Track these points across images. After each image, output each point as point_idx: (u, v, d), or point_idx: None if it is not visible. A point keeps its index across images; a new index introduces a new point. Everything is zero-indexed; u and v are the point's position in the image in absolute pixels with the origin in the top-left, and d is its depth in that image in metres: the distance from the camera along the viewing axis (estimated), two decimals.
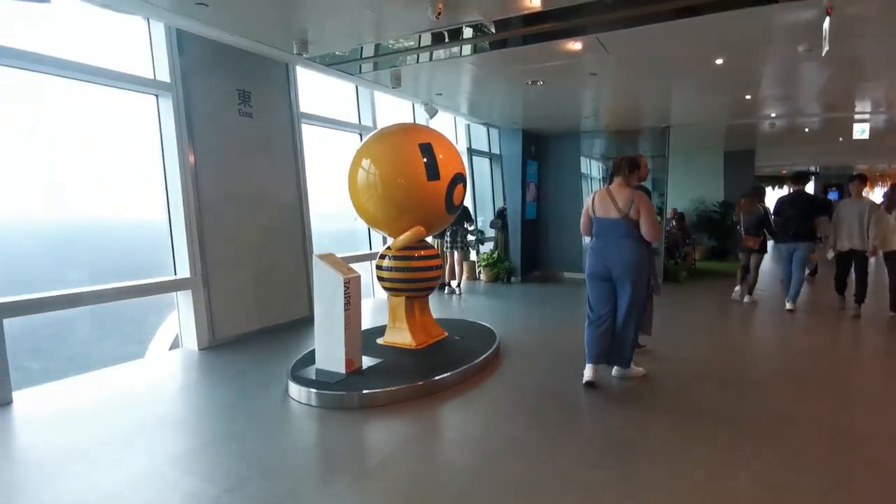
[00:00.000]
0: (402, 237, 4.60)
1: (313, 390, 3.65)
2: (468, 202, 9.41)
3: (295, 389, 3.73)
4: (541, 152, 9.90)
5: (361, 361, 4.12)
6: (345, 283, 3.88)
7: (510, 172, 9.34)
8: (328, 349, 4.02)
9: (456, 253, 7.96)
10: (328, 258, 4.04)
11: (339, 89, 7.33)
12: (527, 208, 9.49)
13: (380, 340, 4.87)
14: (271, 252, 5.78)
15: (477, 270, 9.57)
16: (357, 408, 3.62)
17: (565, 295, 8.10)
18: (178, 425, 3.34)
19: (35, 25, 4.14)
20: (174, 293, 5.02)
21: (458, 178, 4.67)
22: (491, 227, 9.78)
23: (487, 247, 10.06)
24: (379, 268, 4.79)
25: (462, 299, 7.67)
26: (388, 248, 4.75)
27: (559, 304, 7.38)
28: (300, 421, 3.45)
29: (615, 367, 4.11)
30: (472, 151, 10.12)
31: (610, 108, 7.49)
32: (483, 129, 10.46)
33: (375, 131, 4.78)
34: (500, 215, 9.57)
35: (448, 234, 7.91)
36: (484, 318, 6.32)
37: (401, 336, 4.76)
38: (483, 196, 10.79)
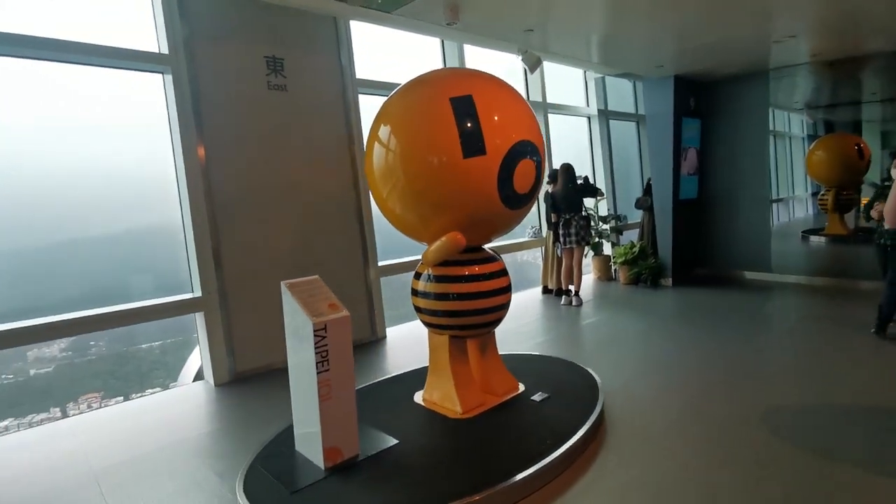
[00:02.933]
0: (431, 248, 2.99)
1: None
2: (590, 177, 7.28)
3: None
4: (705, 106, 7.20)
5: (357, 447, 2.65)
6: (315, 330, 2.44)
7: (656, 137, 6.88)
8: (306, 427, 2.64)
9: (575, 250, 5.98)
10: (304, 287, 2.63)
11: (417, 46, 5.87)
12: (682, 185, 6.95)
13: (418, 397, 3.36)
14: (315, 260, 4.60)
15: (612, 269, 7.39)
16: None
17: (743, 307, 5.55)
18: None
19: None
20: (194, 315, 4.15)
21: (523, 151, 2.85)
22: (637, 207, 7.47)
23: (628, 237, 7.77)
24: (414, 292, 3.25)
25: (577, 314, 5.71)
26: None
27: (731, 323, 4.95)
28: None
29: None
30: (607, 114, 7.90)
31: (823, 15, 4.67)
32: (624, 83, 8.13)
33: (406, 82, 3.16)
34: (649, 191, 7.19)
35: (561, 224, 5.96)
36: (598, 350, 4.40)
37: (441, 396, 3.18)
38: (629, 172, 8.47)
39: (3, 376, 4.40)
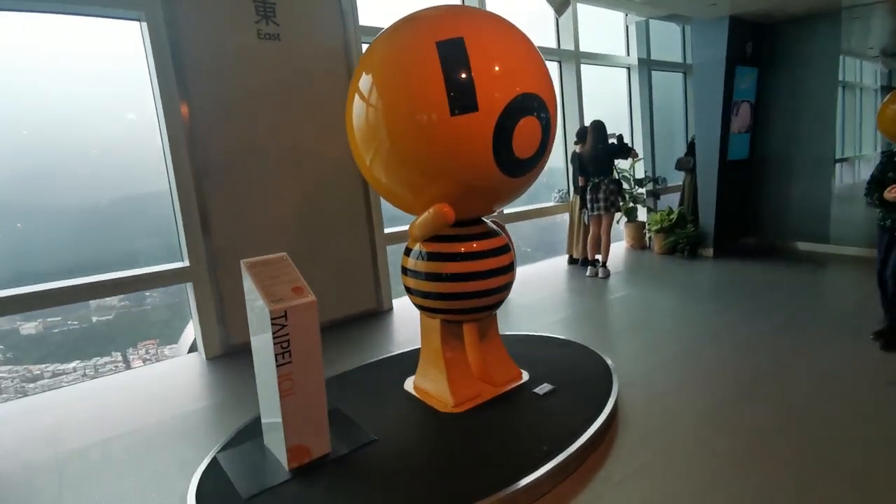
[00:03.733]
0: (417, 222, 2.60)
1: None
2: (628, 139, 6.60)
3: None
4: (764, 52, 6.30)
5: (328, 445, 2.38)
6: (273, 318, 2.12)
7: (704, 89, 6.08)
8: (271, 418, 2.38)
9: (603, 217, 5.44)
10: (266, 267, 2.30)
11: None
12: (732, 143, 6.19)
13: (409, 384, 3.05)
14: (315, 227, 4.30)
15: (646, 236, 6.79)
16: None
17: (795, 284, 4.92)
18: None
19: None
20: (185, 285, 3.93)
21: (526, 107, 2.36)
22: (678, 168, 6.76)
23: (667, 202, 7.11)
24: (403, 270, 2.88)
25: (602, 287, 5.23)
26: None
27: (779, 303, 4.35)
28: None
29: None
30: (649, 64, 7.10)
31: None
32: (671, 28, 7.26)
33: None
34: (693, 150, 6.46)
35: (588, 188, 5.41)
36: (621, 332, 3.98)
37: (432, 386, 2.86)
38: (672, 129, 7.70)
39: (70, 323, 4.59)
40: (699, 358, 3.45)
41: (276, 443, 2.35)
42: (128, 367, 4.70)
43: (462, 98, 2.24)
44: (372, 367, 3.40)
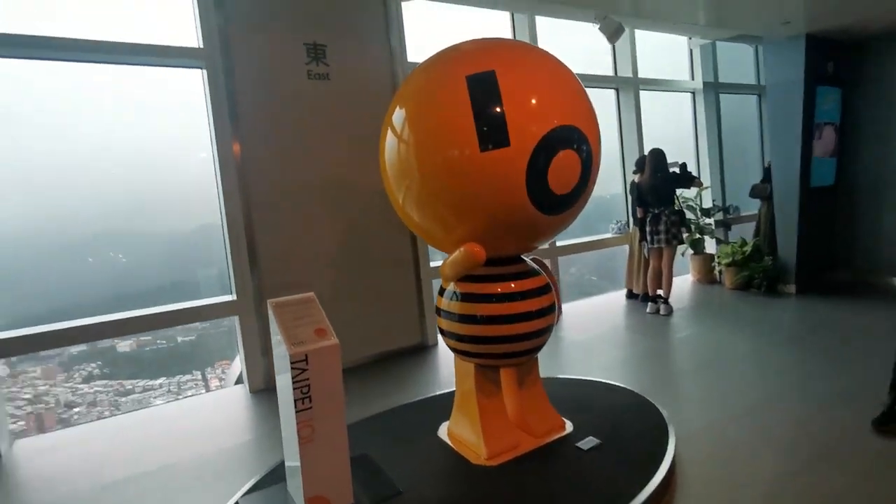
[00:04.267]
0: (448, 261, 2.48)
1: None
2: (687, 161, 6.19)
3: None
4: (847, 71, 5.75)
5: (350, 495, 2.26)
6: (293, 362, 2.06)
7: (780, 111, 5.61)
8: (293, 464, 2.30)
9: (664, 250, 5.07)
10: (291, 307, 2.26)
11: (484, 24, 5.28)
12: (814, 169, 5.64)
13: (443, 430, 2.89)
14: (360, 261, 4.31)
15: (715, 269, 6.28)
16: None
17: (893, 328, 4.32)
18: None
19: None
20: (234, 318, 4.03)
21: (564, 139, 2.21)
22: (753, 195, 6.26)
23: (739, 233, 6.57)
24: (437, 311, 2.76)
25: (663, 326, 4.83)
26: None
27: (875, 350, 3.82)
28: None
29: None
30: (716, 87, 6.71)
31: None
32: (741, 48, 6.87)
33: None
34: (769, 176, 5.95)
35: (648, 220, 5.08)
36: (682, 378, 3.62)
37: (467, 433, 2.68)
38: (745, 155, 7.19)
39: (159, 342, 5.03)
40: (774, 413, 3.03)
41: (297, 489, 2.27)
42: (206, 385, 5.02)
43: (492, 133, 2.13)
44: (410, 408, 3.27)
